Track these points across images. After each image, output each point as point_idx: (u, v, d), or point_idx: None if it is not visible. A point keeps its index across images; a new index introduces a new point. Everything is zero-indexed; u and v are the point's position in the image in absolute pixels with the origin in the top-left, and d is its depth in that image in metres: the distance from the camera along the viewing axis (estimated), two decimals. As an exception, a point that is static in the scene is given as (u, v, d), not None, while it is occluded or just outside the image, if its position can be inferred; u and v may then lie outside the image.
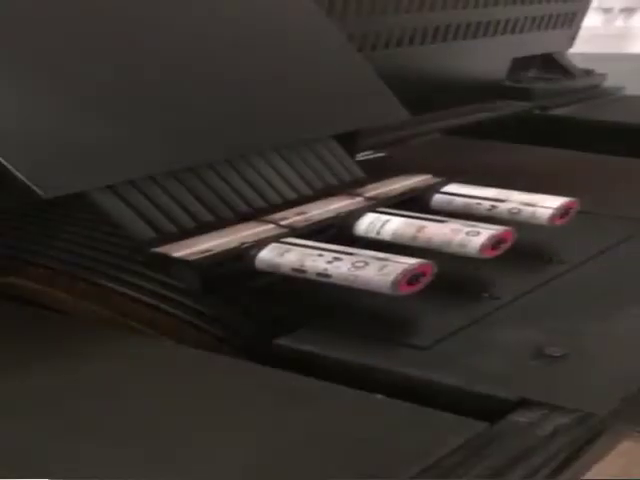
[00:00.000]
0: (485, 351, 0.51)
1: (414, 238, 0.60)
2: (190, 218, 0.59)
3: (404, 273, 0.52)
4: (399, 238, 0.60)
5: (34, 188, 0.51)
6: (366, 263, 0.52)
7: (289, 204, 0.64)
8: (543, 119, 1.18)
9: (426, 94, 1.00)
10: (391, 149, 0.96)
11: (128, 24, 0.65)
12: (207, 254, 0.54)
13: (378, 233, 0.61)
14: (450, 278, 0.57)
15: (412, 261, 0.53)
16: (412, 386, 0.48)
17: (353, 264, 0.53)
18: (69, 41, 0.60)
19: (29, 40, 0.59)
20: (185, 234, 0.57)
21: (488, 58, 1.17)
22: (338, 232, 0.61)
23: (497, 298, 0.58)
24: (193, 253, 0.54)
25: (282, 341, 0.51)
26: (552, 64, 1.32)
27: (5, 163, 0.51)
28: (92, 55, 0.61)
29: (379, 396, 0.46)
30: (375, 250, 0.55)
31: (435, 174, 0.72)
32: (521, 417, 0.45)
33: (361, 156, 0.83)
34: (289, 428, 0.43)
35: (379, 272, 0.52)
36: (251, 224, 0.60)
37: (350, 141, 0.76)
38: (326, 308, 0.54)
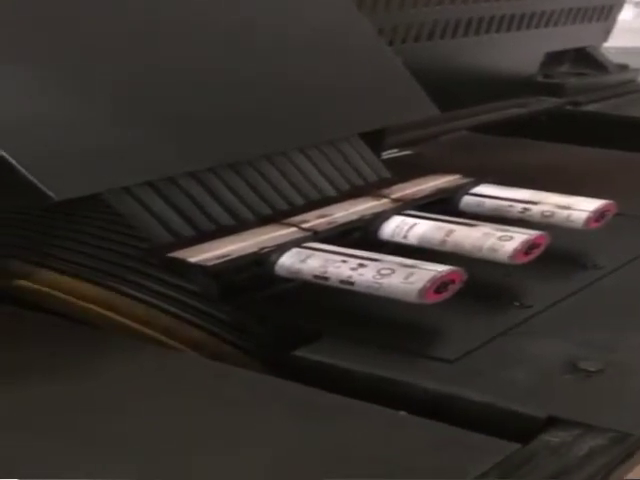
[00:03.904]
0: (515, 365, 0.48)
1: (442, 242, 0.57)
2: (209, 221, 0.57)
3: (432, 281, 0.49)
4: (427, 242, 0.58)
5: (44, 189, 0.49)
6: (392, 270, 0.50)
7: (312, 206, 0.62)
8: (576, 115, 1.14)
9: (455, 89, 0.97)
10: (418, 147, 0.93)
11: (147, 23, 0.62)
12: (225, 259, 0.52)
13: (405, 237, 0.58)
14: (479, 285, 0.54)
15: (440, 268, 0.50)
16: (437, 402, 0.45)
17: (378, 271, 0.50)
18: (85, 40, 0.58)
19: (44, 39, 0.56)
20: (203, 238, 0.55)
21: (520, 52, 1.14)
22: (362, 236, 0.59)
23: (529, 307, 0.55)
24: (210, 258, 0.52)
25: (301, 352, 0.48)
26: (586, 59, 1.28)
27: (13, 162, 0.49)
28: (109, 54, 0.58)
29: (402, 413, 0.43)
30: (401, 255, 0.52)
31: (464, 174, 0.70)
32: (553, 437, 0.42)
33: (387, 154, 0.80)
34: (306, 447, 0.41)
35: (405, 280, 0.49)
36: (272, 227, 0.57)
37: (377, 139, 0.74)
38: (348, 317, 0.52)
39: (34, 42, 0.56)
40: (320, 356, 0.48)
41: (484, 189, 0.66)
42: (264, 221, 0.59)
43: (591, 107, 1.16)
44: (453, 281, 0.51)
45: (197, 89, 0.62)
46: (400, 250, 0.56)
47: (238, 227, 0.57)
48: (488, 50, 1.06)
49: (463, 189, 0.66)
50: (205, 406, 0.44)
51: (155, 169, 0.55)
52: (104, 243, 0.57)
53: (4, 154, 0.49)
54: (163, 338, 0.52)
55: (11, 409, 0.43)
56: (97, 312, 0.54)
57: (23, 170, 0.49)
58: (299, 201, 0.63)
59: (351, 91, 0.72)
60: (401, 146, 0.90)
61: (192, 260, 0.51)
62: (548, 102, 1.16)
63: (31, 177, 0.49)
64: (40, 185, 0.49)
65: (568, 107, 1.16)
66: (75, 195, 0.51)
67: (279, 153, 0.64)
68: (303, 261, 0.52)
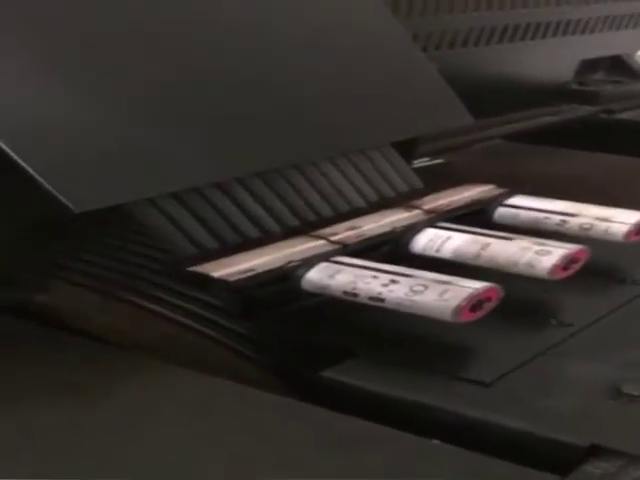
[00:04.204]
0: (554, 389, 0.46)
1: (477, 256, 0.55)
2: (234, 232, 0.55)
3: (468, 299, 0.47)
4: (461, 256, 0.55)
5: (64, 201, 0.47)
6: (425, 287, 0.48)
7: (341, 217, 0.60)
8: (610, 124, 1.12)
9: (488, 97, 0.95)
10: (449, 155, 0.91)
11: (174, 24, 0.60)
12: (249, 274, 0.50)
13: (438, 251, 0.56)
14: (514, 301, 0.51)
15: (477, 285, 0.48)
16: (471, 428, 0.43)
17: (411, 288, 0.48)
18: (107, 41, 0.56)
19: (61, 40, 0.54)
20: (228, 250, 0.53)
21: (555, 59, 1.11)
22: (393, 249, 0.56)
23: (568, 325, 0.52)
24: (234, 273, 0.50)
25: (328, 373, 0.46)
26: (620, 66, 1.26)
27: (32, 172, 0.47)
28: (131, 56, 0.57)
29: (436, 441, 0.41)
30: (431, 269, 0.50)
31: (496, 183, 0.68)
32: (595, 468, 0.40)
33: (418, 163, 0.78)
34: (332, 478, 0.38)
35: (439, 297, 0.47)
36: (299, 239, 0.55)
37: (409, 147, 0.71)
38: (377, 335, 0.50)
39: (50, 43, 0.54)
40: (348, 378, 0.46)
41: (519, 200, 0.64)
42: (291, 233, 0.56)
43: (625, 115, 1.13)
44: (489, 299, 0.48)
45: (225, 95, 0.60)
46: (431, 264, 0.54)
47: (264, 239, 0.55)
48: (522, 57, 1.04)
49: (497, 200, 0.64)
50: (226, 432, 0.42)
51: (180, 179, 0.53)
52: (126, 255, 0.55)
53: (20, 161, 0.47)
54: (185, 354, 0.50)
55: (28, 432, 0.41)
56: (119, 328, 0.52)
57: (42, 179, 0.47)
58: (328, 212, 0.60)
59: (384, 98, 0.70)
60: (432, 155, 0.88)
61: (215, 275, 0.49)
62: (582, 110, 1.14)
63: (50, 187, 0.47)
64: (60, 196, 0.47)
65: (602, 115, 1.13)
66: (96, 207, 0.49)
67: (308, 162, 0.61)
68: (331, 276, 0.50)
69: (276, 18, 0.67)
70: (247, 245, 0.53)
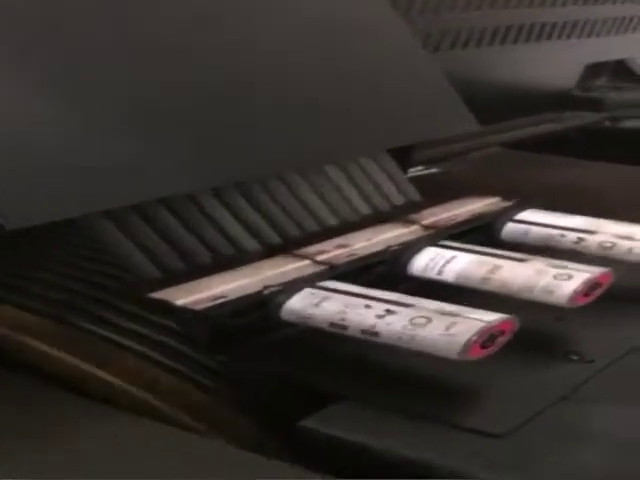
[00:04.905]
0: (580, 442, 0.38)
1: (485, 281, 0.48)
2: (206, 250, 0.48)
3: (479, 333, 0.39)
4: (466, 280, 0.48)
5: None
6: (428, 319, 0.40)
7: (329, 233, 0.53)
8: (615, 132, 1.06)
9: (488, 102, 0.88)
10: (445, 164, 0.83)
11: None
12: (220, 301, 0.42)
13: (439, 273, 0.49)
14: (527, 332, 0.44)
15: (489, 317, 0.41)
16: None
17: (411, 320, 0.40)
18: (78, 44, 0.49)
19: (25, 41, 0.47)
20: (197, 273, 0.45)
21: (559, 63, 1.06)
22: (389, 270, 0.49)
23: (589, 362, 0.45)
24: (202, 299, 0.42)
25: (309, 423, 0.38)
26: (624, 71, 1.20)
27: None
28: (91, 63, 0.49)
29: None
30: (431, 294, 0.43)
31: (500, 195, 0.62)
32: None
33: (412, 172, 0.71)
34: None
35: (445, 332, 0.40)
36: (280, 259, 0.48)
37: (405, 155, 0.64)
38: (369, 374, 0.42)
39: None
40: (333, 429, 0.38)
41: (530, 215, 0.57)
42: (272, 252, 0.49)
43: (630, 123, 1.07)
44: (503, 332, 0.41)
45: (201, 99, 0.52)
46: (431, 288, 0.47)
47: (240, 259, 0.48)
48: (525, 60, 0.98)
49: (506, 214, 0.57)
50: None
51: (141, 190, 0.46)
52: (78, 273, 0.48)
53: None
54: (145, 395, 0.42)
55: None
56: (70, 363, 0.44)
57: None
58: (313, 227, 0.53)
59: (381, 100, 0.63)
60: (427, 163, 0.80)
61: (179, 302, 0.42)
62: (585, 117, 1.08)
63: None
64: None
65: (606, 123, 1.08)
66: (35, 222, 0.41)
67: (293, 172, 0.54)
68: (317, 305, 0.42)
69: (269, 14, 0.60)
70: (220, 266, 0.46)
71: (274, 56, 0.59)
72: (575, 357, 0.46)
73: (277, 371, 0.42)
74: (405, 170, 0.66)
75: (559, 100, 1.06)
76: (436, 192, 0.64)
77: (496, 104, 0.90)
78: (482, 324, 0.40)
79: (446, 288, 0.48)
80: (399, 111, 0.63)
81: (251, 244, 0.50)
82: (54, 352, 0.44)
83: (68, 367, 0.43)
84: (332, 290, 0.43)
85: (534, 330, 0.46)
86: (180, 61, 0.53)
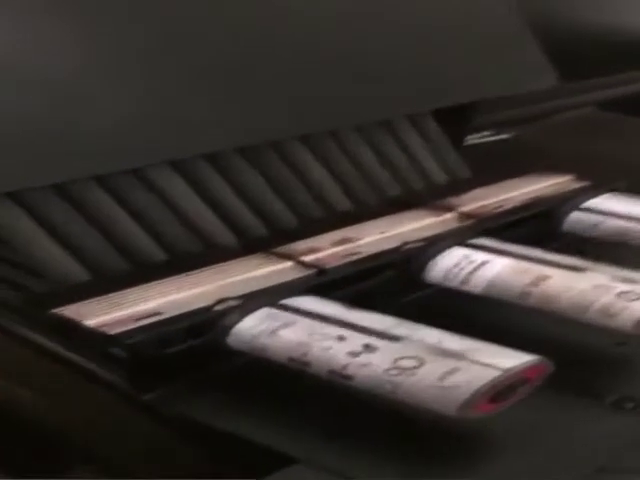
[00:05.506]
0: None
1: (525, 295, 0.36)
2: (160, 245, 0.37)
3: (488, 388, 0.27)
4: (499, 292, 0.36)
5: None
6: (420, 362, 0.29)
7: (336, 221, 0.41)
8: None
9: (576, 53, 0.75)
10: (517, 129, 0.70)
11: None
12: (148, 321, 0.31)
13: (464, 282, 0.37)
14: (564, 369, 0.31)
15: (507, 360, 0.29)
16: None
17: (395, 361, 0.29)
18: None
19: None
20: (138, 276, 0.34)
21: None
22: (399, 275, 0.37)
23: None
24: (126, 319, 0.31)
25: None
26: None
27: None
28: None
29: None
30: (448, 313, 0.32)
31: (578, 172, 0.51)
32: None
33: (473, 139, 0.61)
34: None
35: (439, 383, 0.28)
36: (256, 259, 0.37)
37: (460, 119, 0.54)
38: (337, 426, 0.30)
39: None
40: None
41: (604, 202, 0.46)
42: (250, 248, 0.38)
43: None
44: (528, 380, 0.29)
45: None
46: (450, 302, 0.37)
47: (203, 258, 0.36)
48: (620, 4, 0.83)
49: (571, 200, 0.46)
50: None
51: (67, 167, 0.35)
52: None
53: None
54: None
55: None
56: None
57: None
58: (319, 213, 0.42)
59: (437, 49, 0.52)
60: (494, 128, 0.67)
61: (90, 323, 0.31)
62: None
63: None
64: None
65: None
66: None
67: (295, 138, 0.43)
68: (274, 333, 0.31)
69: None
70: (159, 269, 0.35)
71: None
72: (630, 405, 0.33)
73: (216, 418, 0.31)
74: (461, 137, 0.55)
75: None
76: (496, 166, 0.53)
77: (586, 56, 0.78)
78: (494, 373, 0.28)
79: (470, 301, 0.36)
80: (454, 63, 0.52)
81: (226, 238, 0.39)
82: None
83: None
84: (298, 312, 0.31)
85: (574, 365, 0.34)
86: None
